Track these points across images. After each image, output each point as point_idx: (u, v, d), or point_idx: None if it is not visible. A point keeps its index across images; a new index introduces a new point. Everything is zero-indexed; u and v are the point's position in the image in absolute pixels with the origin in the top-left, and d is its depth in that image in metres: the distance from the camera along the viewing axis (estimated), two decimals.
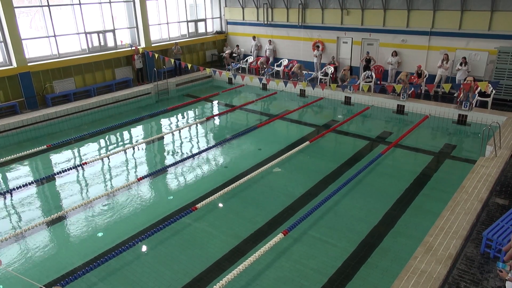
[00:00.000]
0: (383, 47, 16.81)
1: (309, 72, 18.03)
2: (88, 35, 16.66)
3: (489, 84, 12.78)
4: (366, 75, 15.99)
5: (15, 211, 8.69)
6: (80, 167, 10.47)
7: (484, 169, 9.04)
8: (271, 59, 20.19)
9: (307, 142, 11.55)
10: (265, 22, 20.28)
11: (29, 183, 9.51)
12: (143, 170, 10.57)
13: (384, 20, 16.40)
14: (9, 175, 10.38)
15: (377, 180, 9.56)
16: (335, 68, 17.56)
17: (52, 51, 15.71)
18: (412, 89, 14.14)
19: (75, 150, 11.91)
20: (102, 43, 17.21)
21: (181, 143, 12.60)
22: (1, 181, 10.09)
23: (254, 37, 20.90)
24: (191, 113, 15.55)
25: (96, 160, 10.90)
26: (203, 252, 7.06)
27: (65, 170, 10.17)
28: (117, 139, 12.89)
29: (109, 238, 7.51)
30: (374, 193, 8.91)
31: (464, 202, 7.68)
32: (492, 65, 14.09)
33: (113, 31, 17.53)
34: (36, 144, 11.92)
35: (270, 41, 20.16)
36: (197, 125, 13.94)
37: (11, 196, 9.12)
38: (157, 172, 10.12)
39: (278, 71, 19.36)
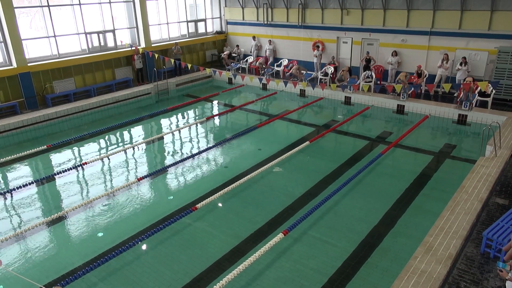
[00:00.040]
0: (383, 47, 16.81)
1: (309, 72, 18.03)
2: (88, 35, 16.67)
3: (489, 84, 12.78)
4: (366, 75, 15.99)
5: (15, 211, 8.69)
6: (80, 167, 10.47)
7: (484, 169, 9.04)
8: (271, 59, 20.20)
9: (307, 142, 11.55)
10: (265, 22, 20.28)
11: (29, 183, 9.51)
12: (143, 170, 10.57)
13: (384, 20, 16.40)
14: (9, 175, 10.39)
15: (377, 180, 9.56)
16: (335, 68, 17.56)
17: (52, 51, 15.71)
18: (412, 89, 14.14)
19: (75, 150, 11.91)
20: (102, 43, 17.22)
21: (181, 143, 12.60)
22: (1, 181, 10.10)
23: (254, 37, 20.90)
24: (191, 113, 15.55)
25: (96, 160, 10.90)
26: (203, 252, 7.07)
27: (65, 170, 10.17)
28: (117, 139, 12.89)
29: (109, 238, 7.51)
30: (374, 193, 8.91)
31: (464, 202, 7.68)
32: (492, 65, 14.09)
33: (113, 31, 17.54)
34: (36, 144, 11.92)
35: (270, 41, 20.16)
36: (197, 125, 13.95)
37: (11, 196, 9.12)
38: (157, 172, 10.12)
39: (278, 71, 19.36)
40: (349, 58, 18.09)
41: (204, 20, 22.01)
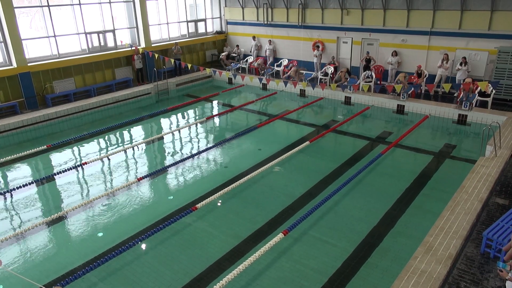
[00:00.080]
0: (383, 47, 16.81)
1: (309, 72, 18.03)
2: (88, 35, 16.67)
3: (489, 84, 12.78)
4: (366, 75, 15.99)
5: (15, 211, 8.69)
6: (80, 167, 10.47)
7: (484, 169, 9.04)
8: (271, 59, 20.20)
9: (307, 142, 11.55)
10: (265, 22, 20.27)
11: (29, 183, 9.51)
12: (143, 170, 10.57)
13: (384, 20, 16.40)
14: (9, 175, 10.39)
15: (377, 180, 9.56)
16: (335, 68, 17.56)
17: (52, 51, 15.71)
18: (412, 89, 14.14)
19: (75, 150, 11.91)
20: (102, 43, 17.22)
21: (181, 143, 12.60)
22: (2, 181, 10.10)
23: (254, 37, 20.90)
24: (191, 113, 15.55)
25: (96, 160, 10.90)
26: (203, 252, 7.06)
27: (65, 170, 10.17)
28: (117, 139, 12.89)
29: (109, 238, 7.51)
30: (374, 193, 8.91)
31: (464, 202, 7.68)
32: (492, 65, 14.09)
33: (113, 31, 17.54)
34: (36, 144, 11.92)
35: (270, 41, 20.16)
36: (197, 125, 13.95)
37: (11, 196, 9.12)
38: (157, 172, 10.12)
39: (278, 71, 19.36)
40: (349, 58, 18.09)
41: (204, 20, 22.01)
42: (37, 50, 15.44)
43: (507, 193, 8.33)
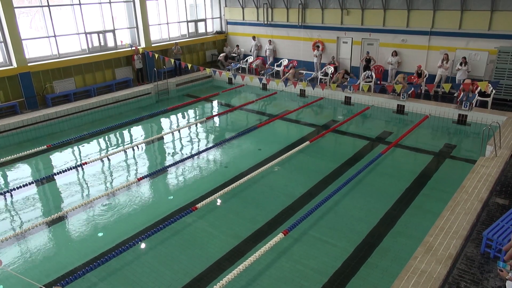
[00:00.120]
0: (383, 47, 16.81)
1: (309, 72, 18.03)
2: (88, 35, 16.67)
3: (489, 84, 12.78)
4: (366, 75, 15.99)
5: (15, 211, 8.69)
6: (80, 167, 10.47)
7: (484, 169, 9.04)
8: (271, 59, 20.20)
9: (307, 142, 11.55)
10: (265, 22, 20.28)
11: (29, 183, 9.51)
12: (143, 170, 10.56)
13: (384, 20, 16.40)
14: (9, 175, 10.39)
15: (377, 180, 9.56)
16: (335, 68, 17.56)
17: (52, 51, 15.71)
18: (412, 89, 14.14)
19: (75, 150, 11.91)
20: (102, 43, 17.22)
21: (181, 143, 12.60)
22: (2, 181, 10.10)
23: (254, 37, 20.90)
24: (191, 113, 15.55)
25: (96, 160, 10.90)
26: (203, 252, 7.06)
27: (65, 170, 10.17)
28: (117, 139, 12.89)
29: (109, 238, 7.51)
30: (374, 193, 8.91)
31: (464, 202, 7.68)
32: (492, 65, 14.09)
33: (113, 31, 17.54)
34: (36, 144, 11.92)
35: (270, 41, 20.16)
36: (197, 125, 13.95)
37: (11, 196, 9.12)
38: (157, 172, 10.12)
39: (278, 71, 19.36)
40: (349, 58, 18.09)
41: (204, 20, 22.01)
42: (37, 50, 15.45)
43: (507, 193, 8.33)
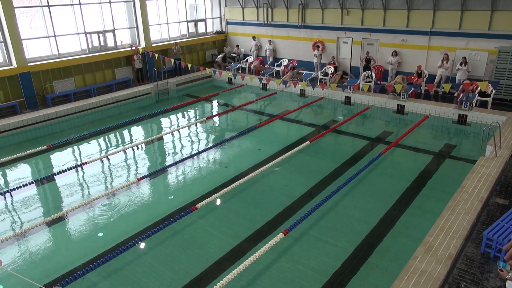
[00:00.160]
0: (383, 47, 16.81)
1: (308, 72, 18.02)
2: (88, 35, 16.67)
3: (489, 84, 12.78)
4: (366, 75, 15.99)
5: (15, 211, 8.69)
6: (80, 167, 10.46)
7: (484, 169, 9.04)
8: (271, 59, 20.20)
9: (307, 142, 11.55)
10: (265, 22, 20.27)
11: (29, 183, 9.51)
12: (143, 170, 10.56)
13: (384, 20, 16.40)
14: (9, 175, 10.39)
15: (377, 180, 9.56)
16: (335, 68, 17.57)
17: (52, 51, 15.71)
18: (412, 89, 14.14)
19: (75, 150, 11.91)
20: (102, 43, 17.22)
21: (181, 143, 12.60)
22: (1, 181, 10.10)
23: (254, 37, 20.90)
24: (191, 113, 15.55)
25: (96, 160, 10.90)
26: (203, 252, 7.06)
27: (65, 170, 10.17)
28: (117, 139, 12.89)
29: (109, 238, 7.51)
30: (374, 193, 8.91)
31: (464, 202, 7.68)
32: (492, 65, 14.09)
33: (113, 31, 17.54)
34: (36, 144, 11.92)
35: (270, 41, 20.16)
36: (197, 125, 13.94)
37: (11, 196, 9.12)
38: (157, 172, 10.11)
39: (278, 71, 19.35)
40: (349, 58, 18.08)
41: (204, 20, 22.01)
42: (37, 50, 15.44)
43: (507, 193, 8.32)
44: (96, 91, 16.49)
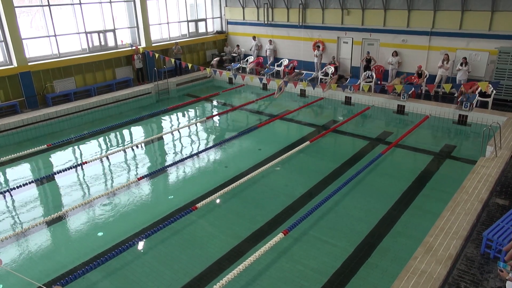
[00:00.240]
0: (384, 47, 16.80)
1: (308, 72, 18.01)
2: (88, 34, 16.67)
3: (490, 85, 12.78)
4: (367, 75, 15.99)
5: (15, 211, 8.69)
6: (80, 166, 10.47)
7: (485, 169, 9.03)
8: (271, 59, 20.19)
9: (307, 142, 11.55)
10: (266, 22, 20.27)
11: (29, 183, 9.51)
12: (143, 169, 10.56)
13: (384, 20, 16.40)
14: (9, 174, 10.39)
15: (377, 180, 9.56)
16: (336, 68, 17.56)
17: (53, 50, 15.71)
18: (413, 89, 14.14)
19: (76, 150, 11.92)
20: (103, 43, 17.22)
21: (181, 142, 12.60)
22: (1, 180, 10.10)
23: (254, 37, 20.89)
24: (191, 113, 15.55)
25: (96, 160, 10.90)
26: (203, 251, 7.06)
27: (65, 170, 10.17)
28: (117, 138, 12.89)
29: (109, 237, 7.50)
30: (374, 193, 8.91)
31: (464, 203, 7.68)
32: (493, 65, 14.08)
33: (114, 30, 17.54)
34: (36, 143, 11.92)
35: (270, 41, 20.15)
36: (197, 125, 13.94)
37: (11, 196, 9.12)
38: (157, 171, 10.11)
39: (279, 71, 19.35)
40: (350, 58, 18.08)
41: (205, 19, 22.01)
42: (37, 49, 15.45)
43: (507, 193, 8.32)
44: (96, 90, 16.49)
